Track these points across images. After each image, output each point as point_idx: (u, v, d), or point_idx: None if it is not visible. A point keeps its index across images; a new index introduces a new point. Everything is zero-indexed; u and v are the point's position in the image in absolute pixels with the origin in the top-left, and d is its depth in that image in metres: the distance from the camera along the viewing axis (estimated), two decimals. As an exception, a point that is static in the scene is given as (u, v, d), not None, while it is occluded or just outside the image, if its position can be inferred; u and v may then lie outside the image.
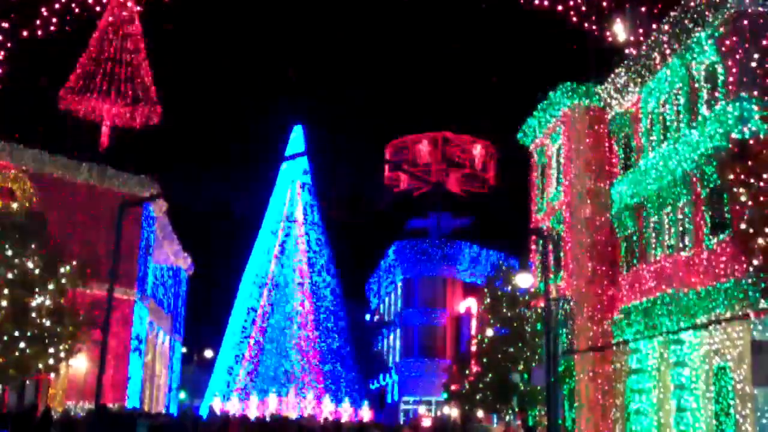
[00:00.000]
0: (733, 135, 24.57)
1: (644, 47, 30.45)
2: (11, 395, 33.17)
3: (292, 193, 62.05)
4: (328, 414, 50.99)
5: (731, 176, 24.15)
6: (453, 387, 42.38)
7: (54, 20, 18.28)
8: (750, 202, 23.10)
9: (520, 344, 34.62)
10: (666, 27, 28.79)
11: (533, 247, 38.90)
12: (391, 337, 67.17)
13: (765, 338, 22.46)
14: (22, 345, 27.10)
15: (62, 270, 29.35)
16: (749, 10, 25.54)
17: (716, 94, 26.61)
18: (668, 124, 30.00)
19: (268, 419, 35.75)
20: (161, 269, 53.03)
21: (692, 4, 27.17)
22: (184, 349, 68.98)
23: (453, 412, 52.70)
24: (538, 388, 31.64)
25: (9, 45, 18.64)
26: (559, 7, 18.62)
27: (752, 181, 23.10)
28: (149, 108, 50.04)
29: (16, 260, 27.59)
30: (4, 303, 26.80)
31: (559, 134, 36.61)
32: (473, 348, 40.12)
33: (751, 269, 23.06)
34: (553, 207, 36.82)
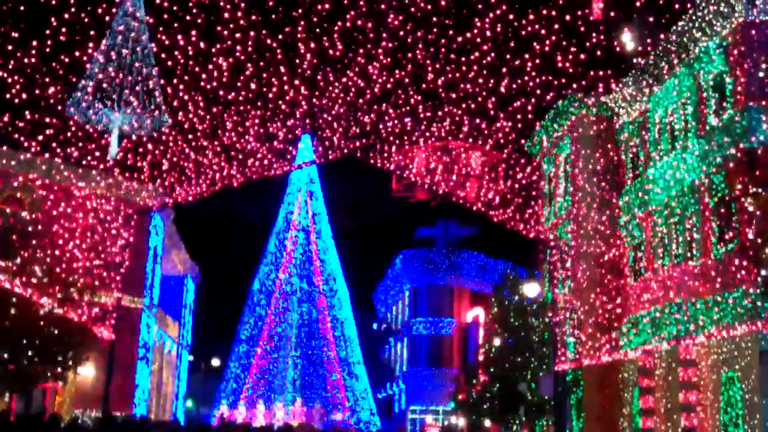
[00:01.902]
0: (741, 144, 24.53)
1: (652, 56, 30.44)
2: (19, 403, 33.21)
3: (300, 201, 62.12)
4: (335, 422, 50.96)
5: (739, 186, 24.13)
6: (460, 396, 42.36)
7: (63, 29, 18.35)
8: (758, 212, 23.06)
9: (527, 354, 34.60)
10: (674, 36, 28.78)
11: (541, 256, 38.86)
12: (399, 345, 67.11)
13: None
14: (29, 353, 27.15)
15: (70, 278, 29.42)
16: (757, 20, 25.51)
17: (724, 104, 26.55)
18: (676, 133, 29.95)
19: (275, 428, 35.69)
20: (169, 278, 53.12)
21: (700, 13, 27.16)
22: (191, 358, 69.04)
23: (460, 421, 52.62)
24: (546, 397, 31.62)
25: (19, 54, 18.74)
26: (567, 17, 18.64)
27: (760, 190, 23.06)
28: (158, 116, 50.21)
29: (25, 268, 27.67)
30: (12, 311, 26.86)
31: (567, 143, 36.58)
32: (481, 357, 40.09)
33: (759, 279, 23.00)
34: (561, 216, 36.77)
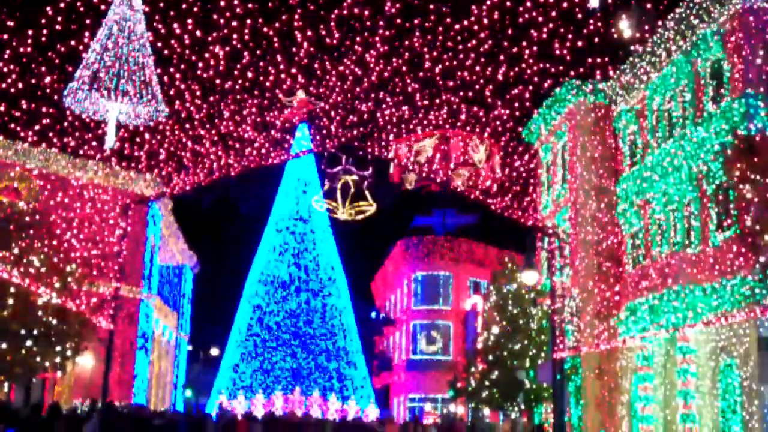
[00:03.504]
0: (739, 131, 24.51)
1: (650, 44, 30.38)
2: (18, 393, 33.23)
3: (297, 190, 61.95)
4: (334, 412, 51.05)
5: (737, 173, 24.10)
6: (459, 384, 42.35)
7: (59, 18, 18.29)
8: (756, 199, 23.05)
9: (525, 342, 34.63)
10: (671, 23, 28.73)
11: (539, 244, 38.87)
12: (397, 334, 67.18)
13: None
14: (28, 343, 27.14)
15: (68, 268, 29.37)
16: (755, 6, 25.47)
17: (722, 91, 26.53)
18: (674, 120, 29.93)
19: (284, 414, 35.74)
20: (167, 267, 53.10)
21: (697, 0, 27.11)
22: (189, 347, 69.09)
23: (459, 409, 52.74)
24: (544, 385, 31.66)
25: (14, 43, 18.66)
26: (564, 4, 18.59)
27: (758, 177, 23.04)
28: (155, 106, 50.06)
29: (23, 258, 27.61)
30: (11, 301, 26.82)
31: (564, 131, 36.55)
32: (479, 345, 40.08)
33: (757, 266, 23.02)
34: (559, 204, 36.77)
